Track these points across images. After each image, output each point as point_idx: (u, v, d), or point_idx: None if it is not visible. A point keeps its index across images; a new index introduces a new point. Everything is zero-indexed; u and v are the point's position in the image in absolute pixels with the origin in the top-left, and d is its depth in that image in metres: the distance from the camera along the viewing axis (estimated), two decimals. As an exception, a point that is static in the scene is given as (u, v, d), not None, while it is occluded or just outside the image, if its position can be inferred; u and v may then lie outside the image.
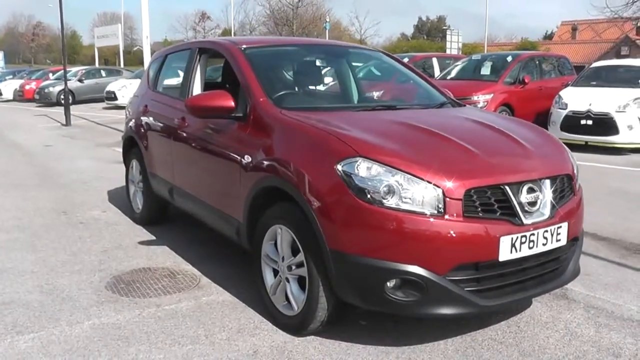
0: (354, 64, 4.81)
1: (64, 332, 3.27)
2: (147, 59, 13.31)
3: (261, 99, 3.63)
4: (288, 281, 3.25)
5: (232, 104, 3.64)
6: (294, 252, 3.20)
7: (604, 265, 4.46)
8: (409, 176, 2.82)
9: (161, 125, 4.92)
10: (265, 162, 3.35)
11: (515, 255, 2.94)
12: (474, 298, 2.87)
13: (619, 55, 38.96)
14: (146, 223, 5.53)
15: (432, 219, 2.77)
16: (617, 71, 11.85)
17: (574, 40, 52.70)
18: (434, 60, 16.30)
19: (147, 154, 5.24)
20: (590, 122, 10.34)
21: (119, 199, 6.58)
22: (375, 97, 4.73)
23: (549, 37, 63.90)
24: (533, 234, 2.98)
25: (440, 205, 2.80)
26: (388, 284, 2.80)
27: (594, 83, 11.46)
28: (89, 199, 6.64)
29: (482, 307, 2.92)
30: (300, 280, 3.19)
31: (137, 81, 21.39)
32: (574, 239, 3.32)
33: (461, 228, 2.80)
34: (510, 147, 3.33)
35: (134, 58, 55.76)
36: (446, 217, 2.79)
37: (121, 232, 5.34)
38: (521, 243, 2.95)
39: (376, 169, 2.84)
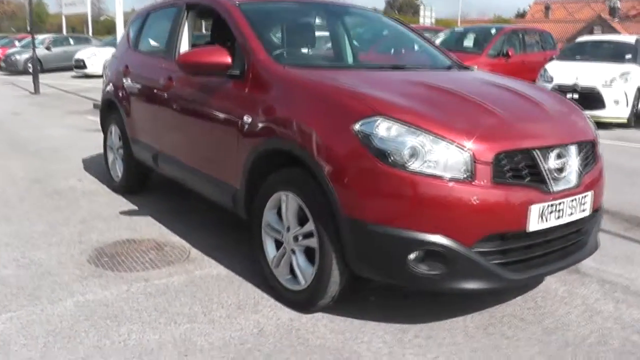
0: (354, 23, 4.50)
1: (45, 310, 2.94)
2: (120, 24, 12.73)
3: (261, 56, 3.30)
4: (294, 253, 2.97)
5: (229, 60, 3.31)
6: (301, 221, 2.92)
7: (610, 239, 4.30)
8: (434, 137, 2.55)
9: (144, 86, 4.55)
10: (268, 123, 3.04)
11: (543, 225, 2.71)
12: (501, 272, 2.64)
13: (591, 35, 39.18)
14: (126, 192, 5.18)
15: (459, 185, 2.51)
16: (602, 46, 11.76)
17: (547, 19, 52.83)
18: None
19: (128, 118, 4.86)
20: (576, 96, 10.19)
21: (95, 167, 6.19)
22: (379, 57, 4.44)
23: (521, 15, 64.02)
24: (561, 203, 2.76)
25: (468, 170, 2.54)
26: (410, 256, 2.54)
27: (579, 57, 11.34)
28: (63, 168, 6.23)
29: (510, 281, 2.70)
30: (308, 252, 2.92)
31: (107, 49, 20.65)
32: (595, 210, 3.11)
33: (490, 195, 2.55)
34: (535, 110, 3.11)
35: (101, 27, 54.07)
36: (475, 182, 2.53)
37: (100, 201, 4.98)
38: (549, 212, 2.72)
39: (397, 129, 2.57)
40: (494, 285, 2.70)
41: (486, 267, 2.60)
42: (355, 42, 4.34)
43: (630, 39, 12.12)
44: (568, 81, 10.34)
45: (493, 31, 12.74)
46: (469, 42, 12.70)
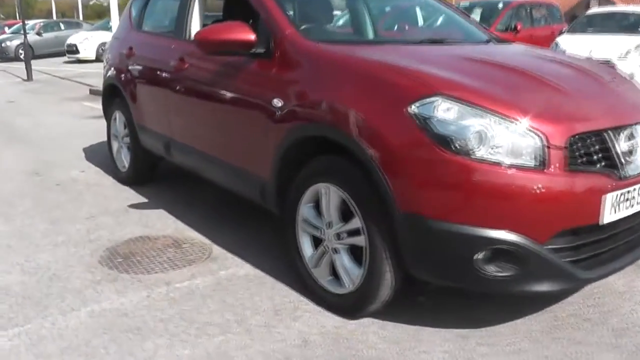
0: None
1: (57, 323, 2.60)
2: (115, 6, 12.27)
3: (288, 31, 2.94)
4: (336, 252, 2.64)
5: (253, 37, 2.95)
6: (344, 216, 2.58)
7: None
8: (502, 119, 2.22)
9: (152, 69, 4.16)
10: (304, 107, 2.69)
11: (615, 216, 2.39)
12: (574, 270, 2.33)
13: (588, 9, 38.64)
14: (133, 183, 4.82)
15: (530, 174, 2.18)
16: (614, 18, 11.42)
17: (542, -8, 52.14)
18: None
19: (134, 103, 4.49)
20: (591, 70, 9.87)
21: (97, 156, 5.83)
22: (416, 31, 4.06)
23: (516, -10, 63.31)
24: (633, 190, 2.43)
25: (540, 156, 2.20)
26: (478, 256, 2.22)
27: (591, 30, 11.01)
28: (63, 158, 5.86)
29: (582, 280, 2.43)
30: (353, 251, 2.59)
31: (100, 33, 20.18)
32: None
33: (565, 184, 2.22)
34: (598, 86, 2.80)
35: (91, 12, 53.13)
36: (548, 170, 2.20)
37: (106, 194, 4.63)
38: (621, 201, 2.40)
39: (460, 110, 2.23)
40: (567, 286, 2.44)
41: (560, 266, 2.29)
42: (384, 16, 3.97)
43: (643, 9, 11.77)
44: (581, 55, 9.98)
45: (500, 5, 12.35)
46: (475, 16, 12.28)
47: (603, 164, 2.35)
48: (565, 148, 2.24)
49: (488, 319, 2.65)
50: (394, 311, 2.63)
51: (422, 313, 2.69)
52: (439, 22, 4.05)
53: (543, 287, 2.30)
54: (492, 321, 2.64)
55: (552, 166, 2.21)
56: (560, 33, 11.51)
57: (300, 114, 2.69)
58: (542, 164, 2.20)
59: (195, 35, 3.10)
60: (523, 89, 2.48)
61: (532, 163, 2.20)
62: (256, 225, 3.79)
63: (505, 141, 2.19)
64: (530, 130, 2.21)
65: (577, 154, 2.28)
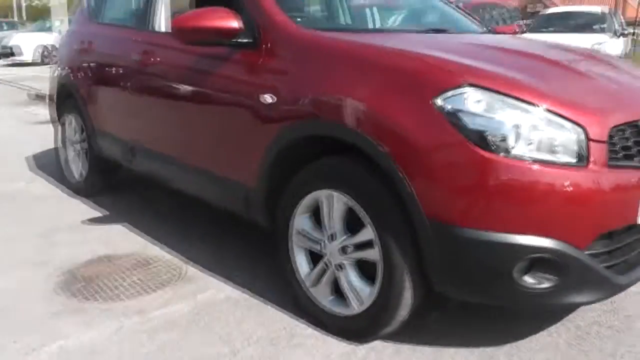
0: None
1: (14, 368, 2.17)
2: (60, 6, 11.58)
3: (278, 18, 2.59)
4: (341, 268, 2.30)
5: (238, 24, 2.57)
6: (351, 227, 2.25)
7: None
8: (539, 110, 1.94)
9: (113, 65, 3.70)
10: (303, 103, 2.32)
11: None
12: (612, 276, 2.08)
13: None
14: (89, 194, 4.34)
15: (572, 171, 1.91)
16: (570, 17, 11.76)
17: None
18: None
19: (91, 105, 4.01)
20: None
21: (45, 166, 5.30)
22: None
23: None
24: None
25: (581, 151, 1.93)
26: (516, 267, 1.92)
27: (551, 29, 11.16)
28: (7, 169, 5.29)
29: (619, 286, 2.15)
30: (361, 266, 2.27)
31: (42, 35, 19.17)
32: None
33: (608, 181, 1.97)
34: (620, 75, 2.60)
35: (27, 14, 51.00)
36: (589, 167, 1.94)
37: (58, 208, 4.14)
38: None
39: (492, 102, 1.94)
40: (606, 295, 2.17)
41: (601, 273, 2.03)
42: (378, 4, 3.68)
43: (595, 9, 12.14)
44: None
45: (459, 5, 12.35)
46: (433, 17, 12.27)
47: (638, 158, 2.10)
48: (606, 142, 1.98)
49: (507, 334, 2.39)
50: (405, 331, 2.31)
51: (437, 331, 2.39)
52: (434, 12, 3.77)
53: (584, 297, 2.06)
54: (513, 335, 2.38)
55: (594, 162, 1.95)
56: (522, 32, 11.59)
57: (297, 111, 2.34)
58: (584, 160, 1.94)
59: (172, 23, 2.71)
60: (554, 78, 2.23)
61: (573, 159, 1.93)
62: (232, 239, 3.42)
63: (544, 136, 1.92)
64: (571, 123, 1.94)
65: (616, 147, 2.04)
